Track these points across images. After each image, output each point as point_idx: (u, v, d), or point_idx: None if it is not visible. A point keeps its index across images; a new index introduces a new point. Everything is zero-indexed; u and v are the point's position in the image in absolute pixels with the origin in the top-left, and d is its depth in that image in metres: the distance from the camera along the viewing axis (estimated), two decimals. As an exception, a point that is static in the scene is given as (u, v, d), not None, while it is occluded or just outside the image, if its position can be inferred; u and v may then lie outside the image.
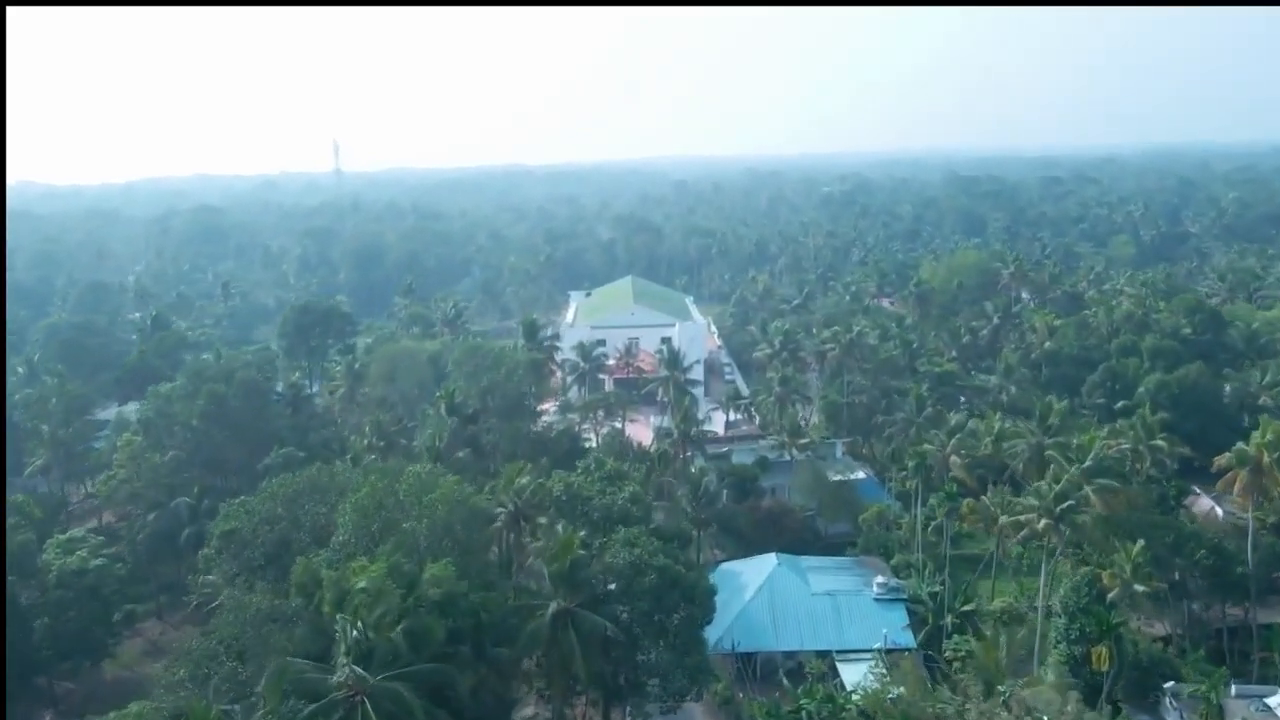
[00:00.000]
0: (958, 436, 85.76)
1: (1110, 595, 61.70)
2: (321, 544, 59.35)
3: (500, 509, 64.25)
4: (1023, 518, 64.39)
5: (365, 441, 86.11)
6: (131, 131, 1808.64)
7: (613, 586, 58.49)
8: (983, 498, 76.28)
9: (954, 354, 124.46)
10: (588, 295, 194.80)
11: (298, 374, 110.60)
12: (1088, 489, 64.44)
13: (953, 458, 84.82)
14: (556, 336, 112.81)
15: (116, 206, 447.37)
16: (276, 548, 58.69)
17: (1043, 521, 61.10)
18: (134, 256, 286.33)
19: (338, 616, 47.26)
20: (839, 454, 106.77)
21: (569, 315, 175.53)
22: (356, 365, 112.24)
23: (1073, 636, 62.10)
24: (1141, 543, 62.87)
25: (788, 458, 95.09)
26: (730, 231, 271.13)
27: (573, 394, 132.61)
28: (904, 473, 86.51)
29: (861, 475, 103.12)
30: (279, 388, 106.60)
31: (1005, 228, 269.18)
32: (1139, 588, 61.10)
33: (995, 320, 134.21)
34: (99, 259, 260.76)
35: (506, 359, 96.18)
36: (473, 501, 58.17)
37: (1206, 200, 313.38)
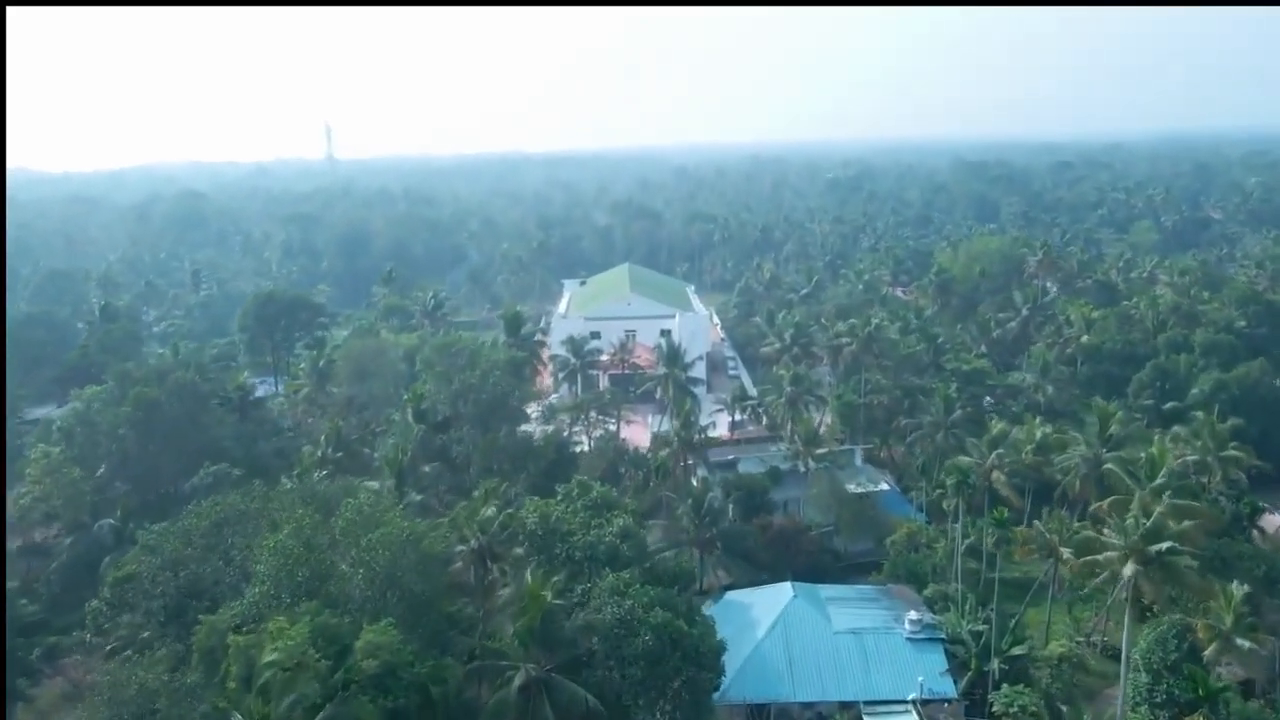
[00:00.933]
0: (1000, 450, 74.35)
1: (1206, 652, 50.57)
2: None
3: (462, 546, 53.03)
4: (1101, 558, 53.00)
5: (319, 453, 74.97)
6: (127, 118, 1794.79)
7: (597, 641, 47.45)
8: (1036, 523, 65.01)
9: (983, 349, 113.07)
10: (582, 284, 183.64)
11: (245, 373, 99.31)
12: (1173, 523, 52.77)
13: (995, 473, 73.58)
14: (542, 330, 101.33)
15: (103, 192, 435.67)
16: (183, 598, 47.51)
17: (1130, 566, 49.71)
18: (113, 244, 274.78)
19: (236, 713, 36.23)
20: (858, 461, 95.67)
21: (561, 305, 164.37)
22: (321, 363, 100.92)
23: (1158, 700, 51.19)
24: (1245, 588, 51.70)
25: (802, 469, 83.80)
26: (733, 217, 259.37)
27: (563, 392, 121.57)
28: (940, 490, 75.25)
29: (885, 487, 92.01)
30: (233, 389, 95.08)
31: (1021, 213, 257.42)
32: (1243, 643, 49.94)
33: (1024, 312, 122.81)
34: (68, 245, 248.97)
35: (483, 357, 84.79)
36: (425, 544, 46.92)
37: (1228, 185, 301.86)
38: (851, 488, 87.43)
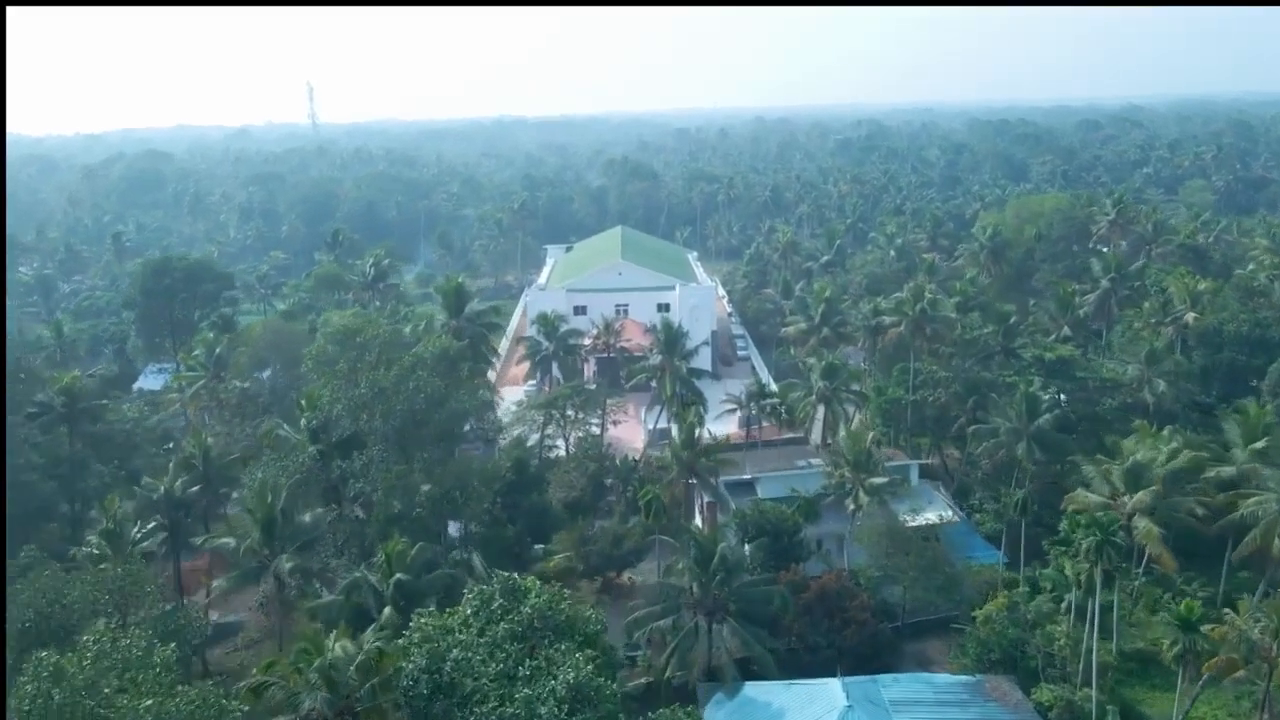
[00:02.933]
0: (1153, 487, 51.18)
1: None
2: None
3: (283, 718, 30.08)
4: None
5: (160, 490, 51.98)
6: (115, 82, 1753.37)
7: None
8: (1230, 617, 42.03)
9: (1066, 331, 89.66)
10: (568, 250, 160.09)
11: (73, 373, 75.15)
12: None
13: (1141, 520, 50.65)
14: (493, 311, 77.45)
15: (70, 155, 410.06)
16: None
17: None
18: (62, 207, 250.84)
19: None
20: (914, 479, 72.60)
21: (542, 275, 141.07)
22: (219, 349, 77.82)
23: None
24: None
25: (851, 507, 60.72)
26: (739, 177, 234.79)
27: (531, 385, 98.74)
28: (1059, 547, 52.31)
29: (953, 517, 69.25)
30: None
31: (1059, 172, 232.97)
32: None
33: (1104, 283, 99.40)
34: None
35: (397, 346, 61.12)
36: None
37: (1278, 143, 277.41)
38: (910, 520, 64.49)
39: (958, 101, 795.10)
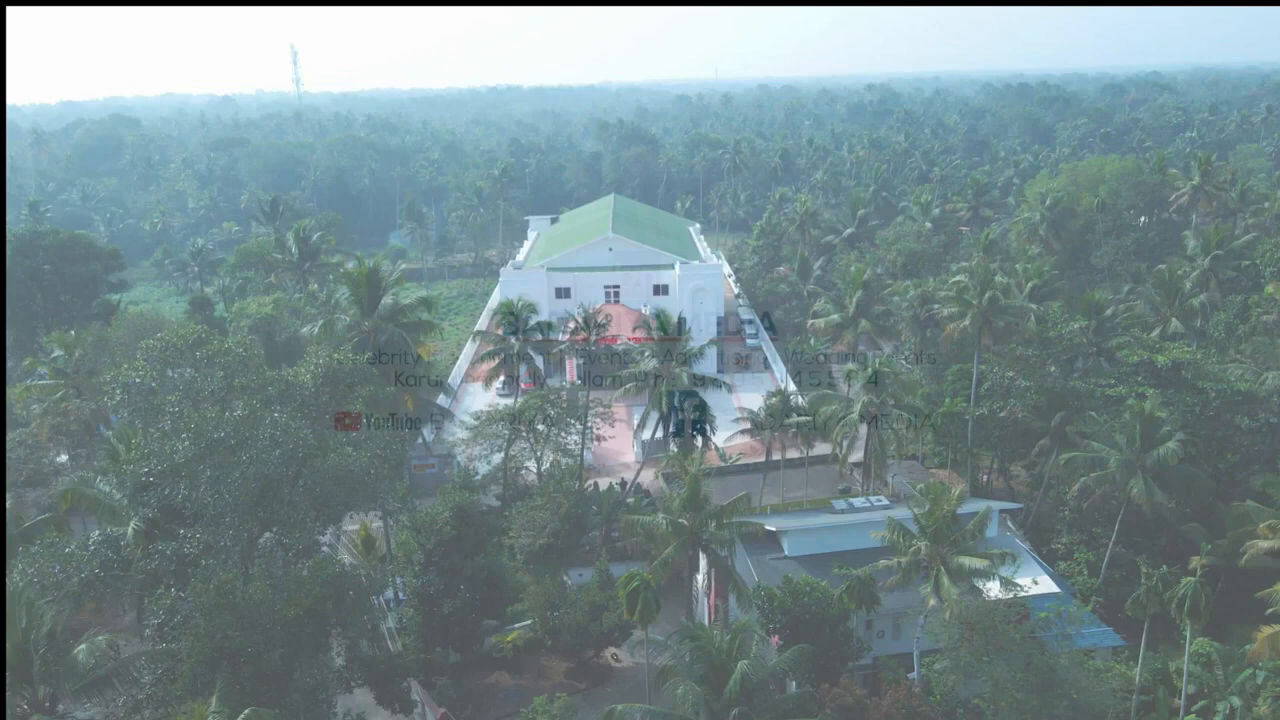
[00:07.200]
0: None
1: None
2: None
3: None
4: None
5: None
6: (109, 52, 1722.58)
7: None
8: None
9: (1176, 325, 70.74)
10: (554, 222, 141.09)
11: None
12: None
13: None
14: (423, 305, 58.23)
15: (42, 123, 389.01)
16: None
17: None
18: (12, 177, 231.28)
19: None
20: (993, 530, 53.87)
21: (521, 252, 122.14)
22: (78, 353, 59.19)
23: None
24: None
25: (933, 601, 41.89)
26: (746, 143, 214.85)
27: (501, 387, 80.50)
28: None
29: (1054, 586, 50.89)
30: None
31: (1100, 135, 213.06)
32: None
33: (1203, 264, 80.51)
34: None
35: (261, 364, 41.53)
36: None
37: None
38: (995, 591, 45.65)
39: (959, 72, 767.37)
